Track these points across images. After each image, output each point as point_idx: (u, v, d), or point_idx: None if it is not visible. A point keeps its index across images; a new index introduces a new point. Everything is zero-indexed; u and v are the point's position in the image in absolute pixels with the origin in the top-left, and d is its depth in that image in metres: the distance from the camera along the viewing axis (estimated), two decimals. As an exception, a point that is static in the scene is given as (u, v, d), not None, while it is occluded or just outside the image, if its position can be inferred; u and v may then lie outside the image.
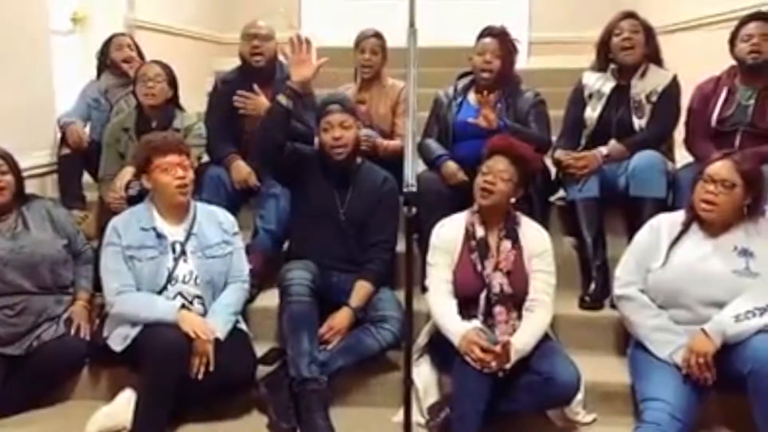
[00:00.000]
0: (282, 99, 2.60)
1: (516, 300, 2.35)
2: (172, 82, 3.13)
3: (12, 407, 2.46)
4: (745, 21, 2.88)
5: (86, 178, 3.45)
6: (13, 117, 3.05)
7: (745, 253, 2.31)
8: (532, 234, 2.44)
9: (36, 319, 2.51)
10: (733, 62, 2.93)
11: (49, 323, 2.54)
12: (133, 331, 2.37)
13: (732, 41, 2.91)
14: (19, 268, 2.49)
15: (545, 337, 2.32)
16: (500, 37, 3.00)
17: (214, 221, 2.60)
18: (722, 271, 2.29)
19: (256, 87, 3.12)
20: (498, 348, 2.15)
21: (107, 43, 3.66)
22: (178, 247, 2.50)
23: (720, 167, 2.32)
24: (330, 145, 2.61)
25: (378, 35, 3.37)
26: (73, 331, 2.55)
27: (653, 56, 3.00)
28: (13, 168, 2.56)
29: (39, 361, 2.48)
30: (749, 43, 2.82)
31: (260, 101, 3.09)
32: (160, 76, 3.07)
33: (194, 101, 3.61)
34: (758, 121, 2.82)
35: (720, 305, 2.26)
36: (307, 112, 2.90)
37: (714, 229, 2.36)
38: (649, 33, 2.98)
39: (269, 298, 2.77)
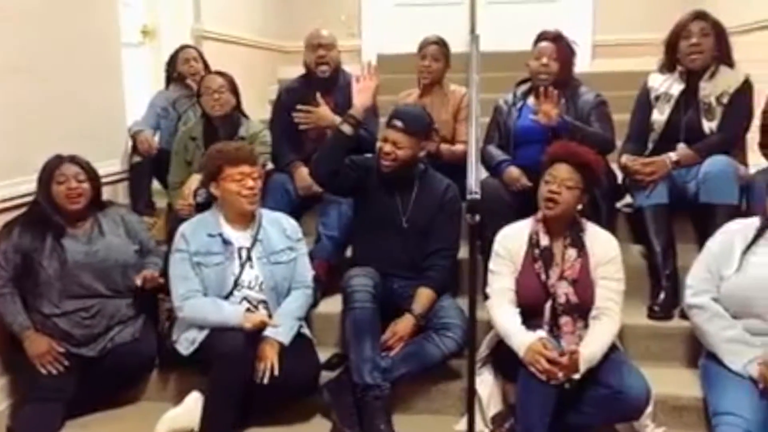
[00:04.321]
0: (345, 128, 2.62)
1: (582, 309, 2.30)
2: (235, 90, 3.19)
3: (86, 407, 2.53)
4: None
5: (155, 185, 3.55)
6: (87, 127, 3.15)
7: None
8: (600, 241, 2.38)
9: (109, 322, 2.58)
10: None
11: (120, 326, 2.60)
12: (201, 335, 2.43)
13: None
14: (93, 271, 2.56)
15: (613, 349, 2.26)
16: (556, 40, 2.98)
17: (278, 228, 2.64)
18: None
19: (318, 96, 3.08)
20: (565, 359, 2.10)
21: (174, 56, 3.78)
22: (244, 253, 2.55)
23: None
24: (380, 155, 2.63)
25: (440, 42, 3.35)
26: (139, 282, 2.60)
27: (724, 57, 2.89)
28: (92, 176, 2.65)
29: (112, 362, 2.56)
30: None
31: (322, 112, 3.05)
32: (224, 86, 3.13)
33: (259, 109, 3.67)
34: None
35: (798, 316, 2.16)
36: (369, 120, 2.91)
37: (789, 236, 2.26)
38: (719, 34, 2.87)
39: (332, 304, 2.79)
